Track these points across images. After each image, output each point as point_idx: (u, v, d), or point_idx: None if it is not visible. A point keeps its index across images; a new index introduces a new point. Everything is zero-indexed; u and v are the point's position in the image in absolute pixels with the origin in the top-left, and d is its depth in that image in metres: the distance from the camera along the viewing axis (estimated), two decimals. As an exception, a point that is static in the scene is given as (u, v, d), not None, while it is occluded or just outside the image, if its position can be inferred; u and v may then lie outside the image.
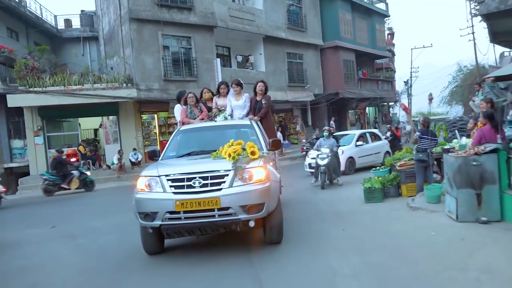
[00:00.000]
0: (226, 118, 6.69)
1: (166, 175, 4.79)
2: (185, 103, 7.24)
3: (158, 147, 19.01)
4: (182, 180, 4.70)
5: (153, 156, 6.01)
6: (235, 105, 7.03)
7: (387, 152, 14.96)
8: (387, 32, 39.32)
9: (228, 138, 5.55)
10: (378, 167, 10.43)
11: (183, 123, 6.90)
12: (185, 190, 4.65)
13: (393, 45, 42.59)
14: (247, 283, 4.11)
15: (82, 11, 25.15)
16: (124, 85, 17.16)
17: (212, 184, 4.66)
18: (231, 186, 4.68)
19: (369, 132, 15.83)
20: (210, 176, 4.69)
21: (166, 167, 5.09)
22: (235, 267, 4.60)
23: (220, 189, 4.63)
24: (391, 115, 41.68)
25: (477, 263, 4.04)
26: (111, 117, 19.08)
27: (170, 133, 20.05)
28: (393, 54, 42.10)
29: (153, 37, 18.01)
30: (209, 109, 7.15)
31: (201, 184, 4.65)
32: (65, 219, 9.27)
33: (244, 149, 5.04)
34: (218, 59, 19.52)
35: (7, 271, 5.40)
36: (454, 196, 5.83)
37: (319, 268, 4.35)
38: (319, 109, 27.05)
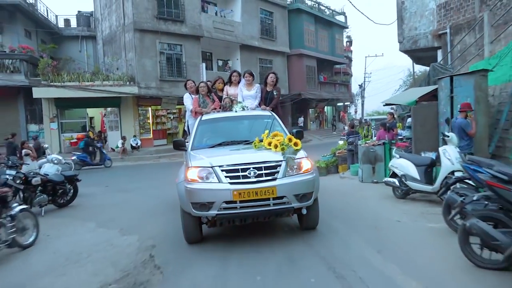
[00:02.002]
0: (243, 109, 6.66)
1: (220, 166, 4.86)
2: (197, 92, 7.40)
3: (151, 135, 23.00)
4: (237, 170, 4.82)
5: (179, 146, 5.88)
6: (247, 94, 7.07)
7: None
8: (346, 40, 44.48)
9: (254, 129, 5.89)
10: (326, 154, 14.88)
11: (196, 113, 7.01)
12: (241, 180, 4.78)
13: (351, 51, 47.91)
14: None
15: (79, 11, 28.21)
16: (128, 83, 20.84)
17: (267, 174, 4.84)
18: (284, 176, 4.88)
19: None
20: (264, 167, 4.86)
21: (215, 157, 5.09)
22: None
23: (275, 179, 4.82)
24: (347, 114, 47.04)
25: (360, 194, 8.60)
26: (109, 109, 22.73)
27: (158, 123, 24.08)
28: (350, 60, 47.37)
29: (152, 44, 21.77)
30: (219, 98, 7.28)
31: (256, 174, 4.79)
32: (109, 182, 12.89)
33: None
34: (204, 64, 23.44)
35: (108, 205, 9.09)
36: (361, 168, 10.38)
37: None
38: (284, 108, 31.47)
